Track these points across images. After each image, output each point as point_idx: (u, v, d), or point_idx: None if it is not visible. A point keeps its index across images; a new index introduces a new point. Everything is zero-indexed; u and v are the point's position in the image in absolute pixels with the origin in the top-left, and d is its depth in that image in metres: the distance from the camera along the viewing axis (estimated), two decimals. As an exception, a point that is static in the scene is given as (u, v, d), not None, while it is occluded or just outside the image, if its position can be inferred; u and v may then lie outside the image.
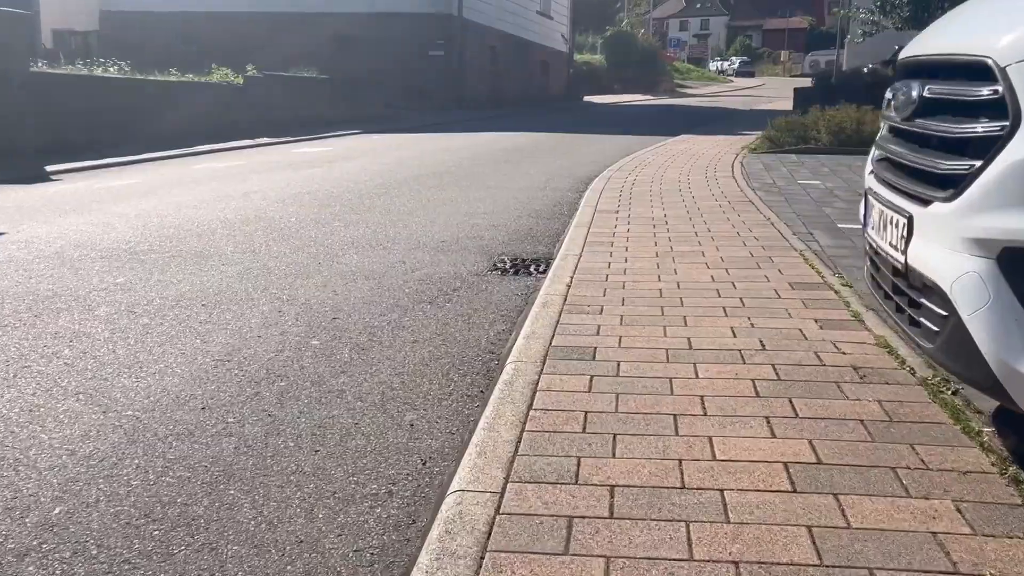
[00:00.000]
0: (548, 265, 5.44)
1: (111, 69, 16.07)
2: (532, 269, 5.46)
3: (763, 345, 3.60)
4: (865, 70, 21.84)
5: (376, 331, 4.07)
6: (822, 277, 4.79)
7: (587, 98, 34.42)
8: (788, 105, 25.54)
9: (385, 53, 24.44)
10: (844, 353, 3.50)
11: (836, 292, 4.46)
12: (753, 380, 3.18)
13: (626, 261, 5.25)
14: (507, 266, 5.53)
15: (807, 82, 23.33)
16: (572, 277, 4.84)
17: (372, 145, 14.48)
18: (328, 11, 24.80)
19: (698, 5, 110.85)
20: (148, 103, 14.50)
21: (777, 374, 3.24)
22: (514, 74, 28.89)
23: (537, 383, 3.17)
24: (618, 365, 3.35)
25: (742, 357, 3.44)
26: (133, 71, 16.28)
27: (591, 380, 3.18)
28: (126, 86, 14.63)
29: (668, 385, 3.13)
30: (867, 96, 17.36)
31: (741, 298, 4.35)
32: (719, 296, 4.40)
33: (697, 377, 3.22)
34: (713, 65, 77.93)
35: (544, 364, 3.38)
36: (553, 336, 3.75)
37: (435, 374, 3.51)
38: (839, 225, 6.53)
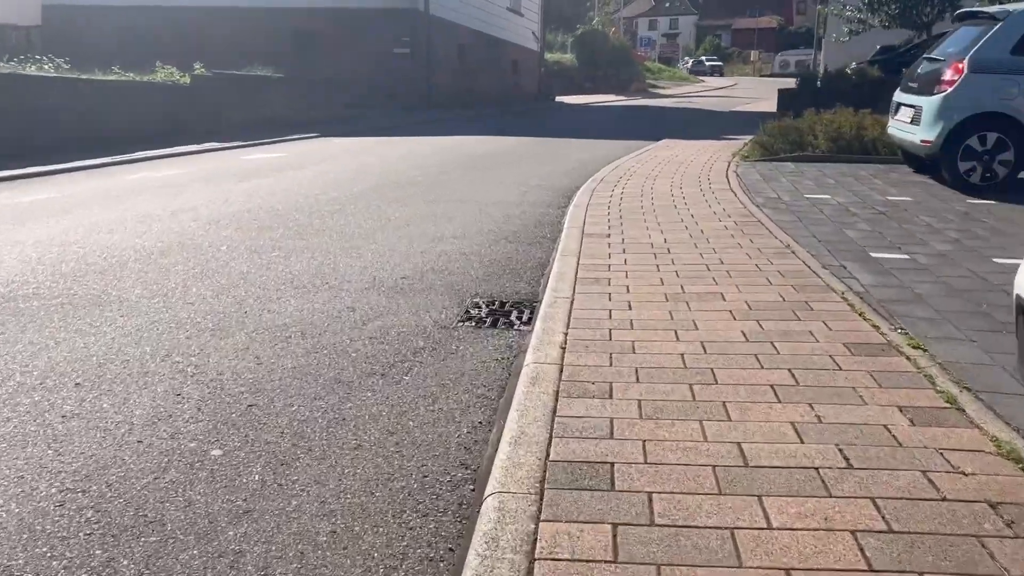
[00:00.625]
0: (534, 312, 4.39)
1: (46, 67, 14.70)
2: (514, 318, 4.40)
3: (846, 459, 2.57)
4: (849, 70, 21.07)
5: (305, 429, 2.98)
6: (882, 335, 3.78)
7: (559, 98, 33.43)
8: (770, 106, 24.76)
9: (349, 51, 23.22)
10: (965, 474, 2.48)
11: (909, 359, 3.45)
12: (854, 533, 2.15)
13: (630, 308, 4.21)
14: (483, 313, 4.46)
15: (790, 83, 22.51)
16: (566, 335, 3.79)
17: (331, 150, 13.31)
18: (288, 6, 23.52)
19: (667, 4, 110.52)
20: (86, 105, 13.19)
21: (886, 521, 2.21)
22: (484, 73, 27.80)
23: (534, 543, 2.11)
24: (650, 501, 2.31)
25: (824, 484, 2.41)
26: (72, 69, 14.92)
27: (614, 535, 2.13)
28: (61, 86, 13.29)
29: (730, 543, 2.09)
30: (855, 97, 16.55)
31: (790, 369, 3.33)
32: (760, 365, 3.38)
33: (769, 526, 2.19)
34: (684, 64, 77.43)
35: (542, 502, 2.32)
36: (550, 442, 2.70)
37: (383, 514, 2.43)
38: (873, 255, 5.55)
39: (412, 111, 22.34)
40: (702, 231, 6.33)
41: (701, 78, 65.33)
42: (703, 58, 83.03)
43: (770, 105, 26.03)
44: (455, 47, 25.65)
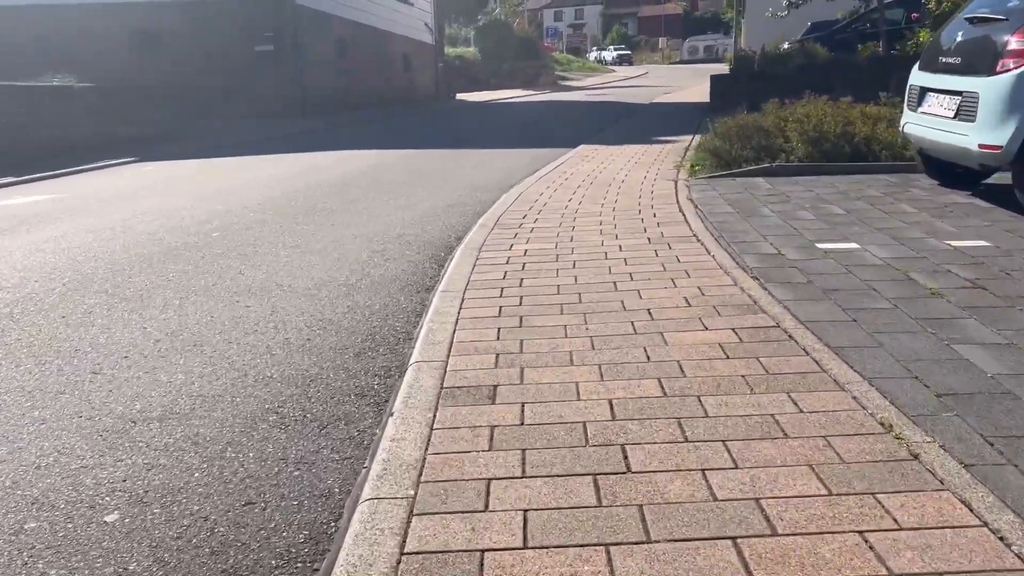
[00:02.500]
0: None
1: None
2: None
3: None
4: (783, 49, 18.39)
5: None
6: None
7: (460, 95, 30.08)
8: (695, 96, 22.04)
9: (200, 51, 19.35)
10: None
11: None
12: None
13: None
14: None
15: (711, 69, 19.71)
16: None
17: (134, 184, 9.68)
18: (123, 0, 19.49)
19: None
20: None
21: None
22: (370, 71, 24.19)
23: None
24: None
25: None
26: None
27: None
28: None
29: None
30: (802, 82, 13.69)
31: None
32: None
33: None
34: (592, 55, 75.01)
35: None
36: None
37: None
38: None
39: (280, 120, 18.63)
40: (672, 350, 3.14)
41: (612, 68, 62.96)
42: (611, 47, 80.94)
43: (695, 94, 23.25)
44: (332, 42, 21.99)
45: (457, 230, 6.32)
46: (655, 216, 6.17)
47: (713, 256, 4.79)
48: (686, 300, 3.92)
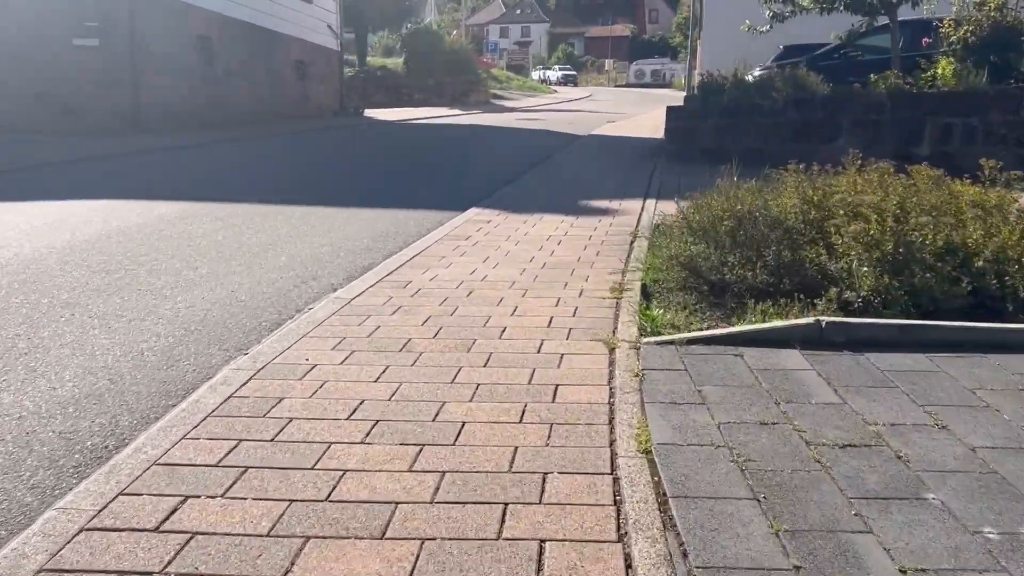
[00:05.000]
0: None
1: None
2: None
3: None
4: (753, 76, 14.49)
5: None
6: None
7: (371, 112, 25.65)
8: (647, 129, 17.80)
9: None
10: None
11: None
12: None
13: None
14: None
15: (671, 95, 15.72)
16: None
17: None
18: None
19: (518, 12, 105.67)
20: None
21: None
22: (248, 79, 19.60)
23: None
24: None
25: None
26: None
27: None
28: None
29: None
30: (791, 122, 9.73)
31: None
32: None
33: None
34: (535, 74, 71.35)
35: None
36: None
37: None
38: None
39: (100, 138, 13.95)
40: None
41: (554, 88, 59.30)
42: (556, 67, 77.54)
43: (644, 126, 19.09)
44: (192, 39, 17.36)
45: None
46: (551, 515, 1.93)
47: None
48: None
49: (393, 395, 3.05)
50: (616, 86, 72.97)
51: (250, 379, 3.21)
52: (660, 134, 17.08)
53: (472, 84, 36.95)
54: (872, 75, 10.41)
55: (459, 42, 40.47)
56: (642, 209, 7.26)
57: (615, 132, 17.99)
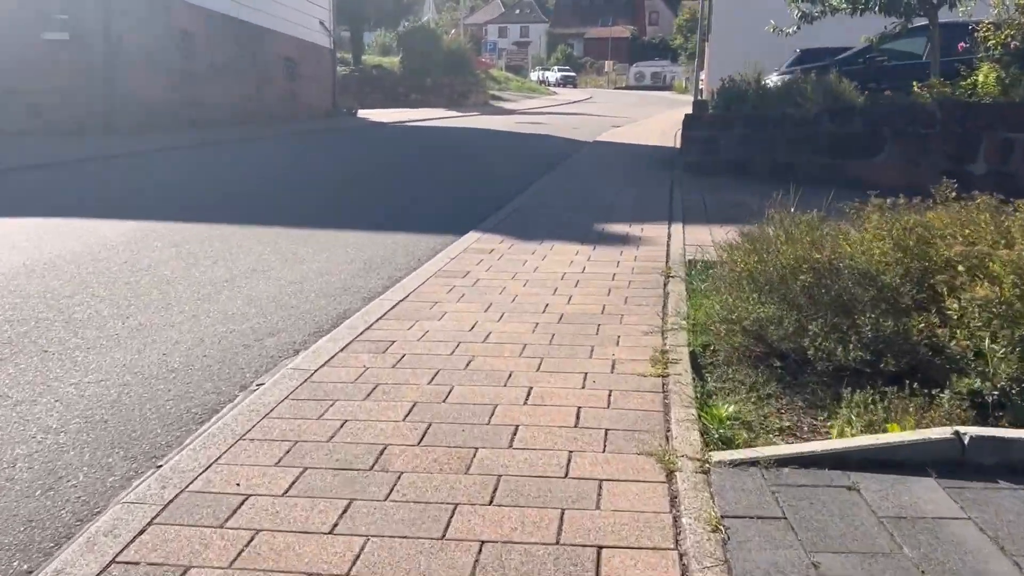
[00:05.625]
0: None
1: None
2: None
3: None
4: (771, 80, 13.59)
5: None
6: None
7: (364, 112, 24.59)
8: (655, 136, 16.65)
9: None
10: None
11: None
12: None
13: None
14: None
15: (676, 99, 14.77)
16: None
17: None
18: None
19: (517, 11, 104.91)
20: None
21: None
22: (234, 76, 18.55)
23: None
24: None
25: None
26: None
27: None
28: None
29: None
30: (826, 134, 8.77)
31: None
32: None
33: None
34: (534, 75, 70.27)
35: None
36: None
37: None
38: None
39: (69, 138, 12.90)
40: None
41: (554, 89, 58.32)
42: (555, 67, 76.59)
43: (652, 132, 17.96)
44: (173, 34, 16.31)
45: None
46: None
47: None
48: None
49: (352, 568, 2.01)
50: (616, 88, 72.02)
51: (150, 524, 2.18)
52: (670, 141, 16.09)
53: (470, 85, 35.91)
54: (915, 82, 9.41)
55: (457, 41, 39.41)
56: (668, 236, 6.24)
57: (622, 139, 16.96)
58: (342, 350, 3.64)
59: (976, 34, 10.84)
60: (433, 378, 3.29)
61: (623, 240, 6.16)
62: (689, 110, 12.98)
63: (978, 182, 8.07)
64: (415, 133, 18.98)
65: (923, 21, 11.22)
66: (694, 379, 3.25)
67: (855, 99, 9.85)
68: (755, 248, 3.97)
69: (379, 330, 3.93)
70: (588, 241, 6.11)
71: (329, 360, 3.50)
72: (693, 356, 3.53)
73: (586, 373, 3.33)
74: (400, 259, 5.73)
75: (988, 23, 10.70)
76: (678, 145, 14.69)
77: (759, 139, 9.41)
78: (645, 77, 76.42)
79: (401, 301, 4.45)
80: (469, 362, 3.48)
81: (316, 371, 3.36)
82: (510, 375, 3.32)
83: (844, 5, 10.59)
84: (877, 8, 10.45)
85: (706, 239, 6.15)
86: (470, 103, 34.28)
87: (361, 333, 3.88)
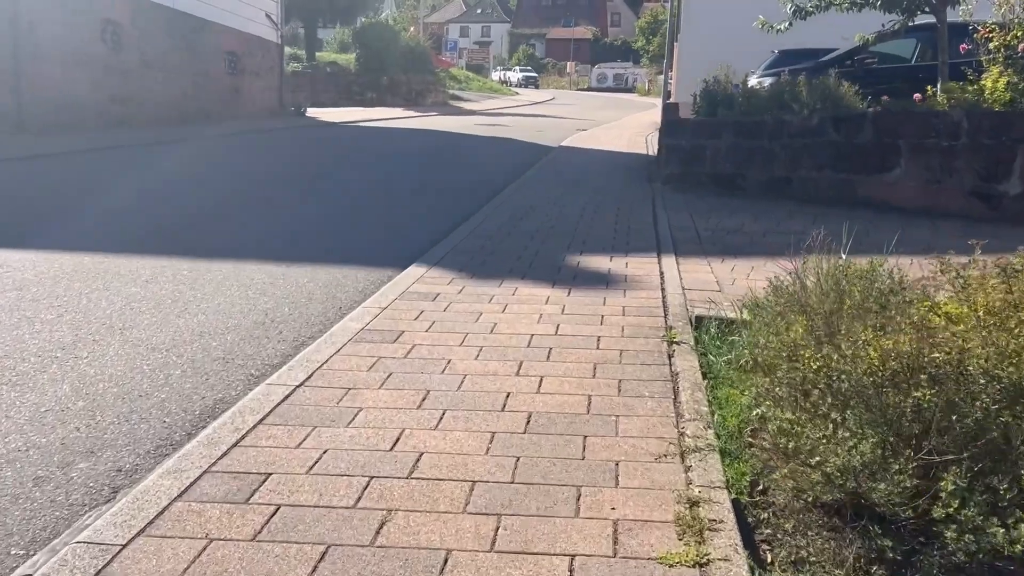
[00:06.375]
0: None
1: None
2: None
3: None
4: (755, 82, 12.59)
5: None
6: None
7: (315, 111, 23.04)
8: (624, 141, 15.20)
9: None
10: None
11: None
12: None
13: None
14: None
15: (640, 102, 13.74)
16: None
17: None
18: None
19: (479, 11, 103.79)
20: None
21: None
22: (168, 71, 16.94)
23: None
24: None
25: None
26: None
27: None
28: None
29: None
30: (827, 145, 7.62)
31: None
32: None
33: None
34: (496, 75, 68.90)
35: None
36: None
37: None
38: None
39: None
40: None
41: (516, 90, 57.11)
42: (517, 67, 75.48)
43: (621, 137, 16.53)
44: (95, 24, 14.66)
45: None
46: None
47: None
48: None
49: None
50: (578, 89, 71.03)
51: None
52: (641, 147, 14.89)
53: (429, 84, 34.48)
54: (930, 87, 8.30)
55: (416, 39, 37.92)
56: (661, 276, 4.96)
57: (590, 144, 15.72)
58: (185, 491, 2.28)
59: (976, 35, 9.84)
60: (318, 564, 1.94)
61: (605, 281, 4.86)
62: (656, 114, 11.78)
63: (1011, 204, 6.97)
64: (365, 135, 17.52)
65: (919, 20, 10.19)
66: (751, 569, 1.95)
67: (857, 104, 8.71)
68: (809, 327, 2.70)
69: (252, 448, 2.57)
70: (561, 282, 4.80)
71: (153, 521, 2.13)
72: (737, 509, 2.24)
73: (572, 557, 2.01)
74: (315, 308, 4.37)
75: (992, 23, 9.70)
76: (652, 152, 13.49)
77: (751, 149, 8.21)
78: (607, 79, 75.64)
79: (299, 387, 3.09)
80: (381, 526, 2.13)
81: (123, 549, 2.00)
82: (445, 561, 1.99)
83: (841, 0, 9.46)
84: (879, 4, 9.33)
85: (707, 278, 4.90)
86: (429, 103, 32.87)
87: (222, 455, 2.52)
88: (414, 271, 5.01)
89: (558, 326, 3.91)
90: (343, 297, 4.59)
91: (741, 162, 8.24)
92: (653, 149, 13.87)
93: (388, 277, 4.95)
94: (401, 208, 8.03)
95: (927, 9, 9.45)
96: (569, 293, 4.54)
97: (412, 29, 47.36)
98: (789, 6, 9.34)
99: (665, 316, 4.09)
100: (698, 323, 3.92)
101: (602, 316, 4.09)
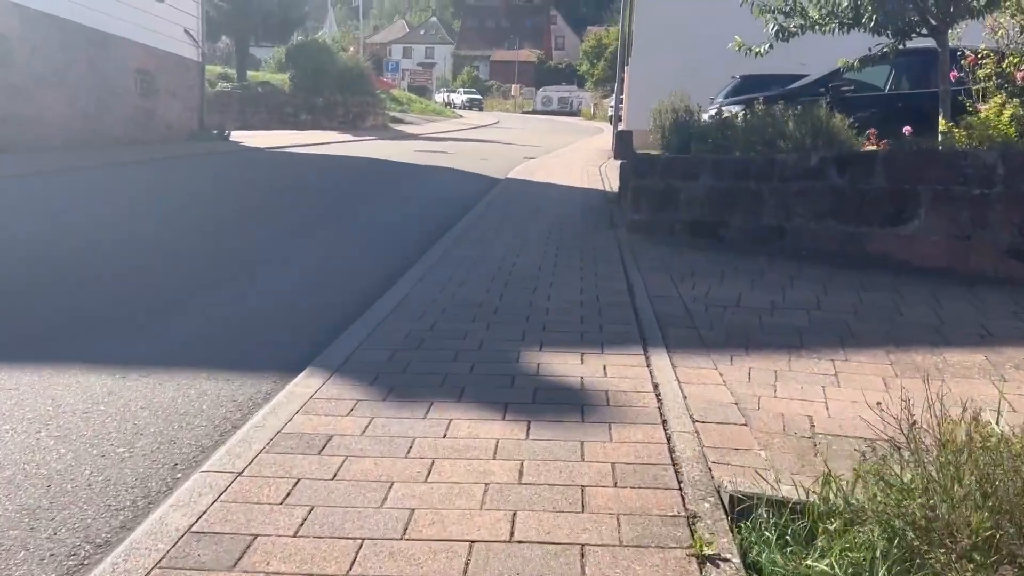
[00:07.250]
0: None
1: None
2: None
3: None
4: (709, 115, 11.37)
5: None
6: None
7: (240, 135, 21.20)
8: (576, 172, 13.45)
9: None
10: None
11: None
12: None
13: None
14: None
15: (586, 127, 12.71)
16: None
17: None
18: None
19: (422, 32, 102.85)
20: None
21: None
22: (66, 90, 15.06)
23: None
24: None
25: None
26: None
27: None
28: None
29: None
30: (824, 189, 6.34)
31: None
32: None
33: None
34: (439, 96, 67.58)
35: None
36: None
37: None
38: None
39: None
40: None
41: (460, 112, 55.83)
42: (462, 89, 74.37)
43: (573, 168, 14.77)
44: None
45: None
46: None
47: None
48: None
49: None
50: (523, 112, 70.19)
51: None
52: (596, 181, 13.54)
53: (368, 106, 32.83)
54: (946, 122, 7.11)
55: (354, 59, 36.27)
56: (656, 393, 3.50)
57: (539, 176, 14.29)
58: None
59: (965, 61, 8.80)
60: None
61: (578, 404, 3.38)
62: (604, 140, 10.42)
63: (1059, 267, 5.75)
64: (288, 163, 15.83)
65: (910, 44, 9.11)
66: None
67: (853, 140, 7.48)
68: None
69: None
70: (516, 407, 3.30)
71: None
72: None
73: None
74: (127, 477, 2.78)
75: (986, 49, 8.67)
76: (609, 188, 12.15)
77: (734, 192, 6.88)
78: (552, 102, 75.16)
79: None
80: None
81: None
82: None
83: (827, 21, 8.27)
84: (872, 25, 8.17)
85: (719, 395, 3.47)
86: (367, 126, 31.24)
87: None
88: (302, 386, 3.46)
89: (514, 517, 2.41)
90: (182, 442, 3.02)
91: (722, 208, 6.91)
92: (609, 183, 12.54)
93: (264, 398, 3.40)
94: (300, 269, 6.46)
95: (925, 32, 8.33)
96: (528, 433, 3.04)
97: (352, 49, 45.72)
98: (772, 26, 8.08)
99: (680, 487, 2.62)
100: (736, 506, 2.46)
101: (582, 489, 2.60)
